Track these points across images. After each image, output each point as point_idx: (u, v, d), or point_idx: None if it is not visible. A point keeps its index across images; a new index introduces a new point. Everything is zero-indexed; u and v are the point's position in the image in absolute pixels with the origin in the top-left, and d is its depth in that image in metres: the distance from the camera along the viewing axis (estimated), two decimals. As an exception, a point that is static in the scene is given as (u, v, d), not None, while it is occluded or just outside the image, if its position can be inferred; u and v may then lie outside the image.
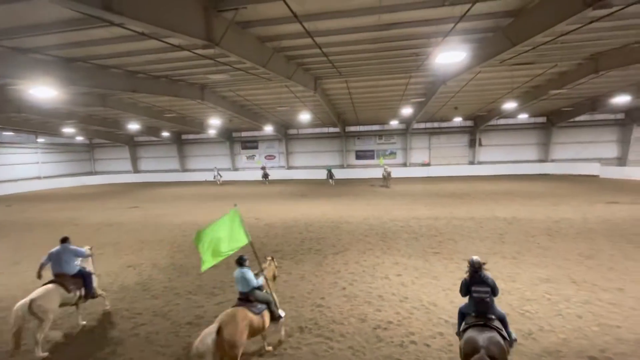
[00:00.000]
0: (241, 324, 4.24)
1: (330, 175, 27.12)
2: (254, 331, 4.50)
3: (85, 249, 6.36)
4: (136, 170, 38.39)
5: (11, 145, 31.05)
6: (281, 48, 11.44)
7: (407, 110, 22.52)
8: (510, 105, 20.46)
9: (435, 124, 31.86)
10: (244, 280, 4.82)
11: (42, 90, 11.68)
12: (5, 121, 23.84)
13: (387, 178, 23.72)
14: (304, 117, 22.84)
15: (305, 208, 16.66)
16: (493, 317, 4.07)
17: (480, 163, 31.22)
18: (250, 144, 35.94)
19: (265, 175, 29.91)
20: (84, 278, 6.02)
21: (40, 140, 33.42)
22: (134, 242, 11.46)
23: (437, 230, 11.52)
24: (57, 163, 35.65)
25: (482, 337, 3.74)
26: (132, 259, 9.58)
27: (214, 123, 26.65)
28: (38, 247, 11.16)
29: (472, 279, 4.29)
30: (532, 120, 29.75)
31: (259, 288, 4.92)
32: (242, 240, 5.16)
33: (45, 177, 33.63)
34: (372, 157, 33.56)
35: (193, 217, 15.47)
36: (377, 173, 29.88)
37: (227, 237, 5.00)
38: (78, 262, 6.10)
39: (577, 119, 27.65)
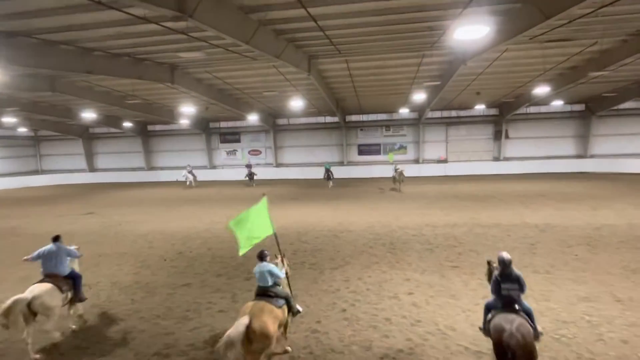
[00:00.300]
0: (270, 315, 4.99)
1: (328, 174, 26.16)
2: (279, 325, 5.24)
3: (75, 249, 7.09)
4: (92, 169, 38.14)
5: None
6: (268, 20, 11.42)
7: (419, 97, 22.58)
8: (542, 90, 20.62)
9: (453, 113, 32.05)
10: (268, 274, 5.55)
11: (-24, 71, 11.54)
12: None
13: (398, 180, 22.94)
14: (296, 104, 22.81)
15: (298, 214, 16.65)
16: (520, 309, 4.84)
17: (506, 159, 31.48)
18: (231, 137, 35.88)
19: (251, 176, 28.96)
20: (74, 280, 6.69)
21: (-26, 132, 33.05)
22: (89, 255, 11.32)
23: (456, 239, 11.55)
24: (-6, 160, 35.30)
25: (510, 322, 4.50)
26: (87, 277, 9.44)
27: (187, 111, 26.52)
28: (-29, 263, 11.01)
29: (502, 276, 5.02)
30: (569, 108, 30.06)
31: (277, 283, 5.69)
32: (268, 230, 6.19)
33: (-20, 177, 33.24)
34: (377, 152, 33.67)
35: (162, 225, 15.38)
36: (385, 171, 29.99)
37: (257, 224, 6.07)
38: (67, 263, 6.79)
39: (622, 106, 27.98)
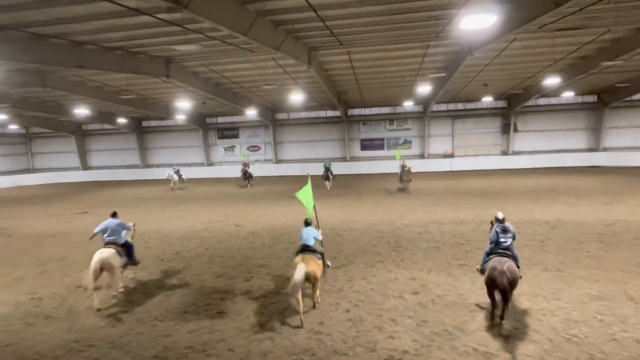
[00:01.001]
0: (315, 263, 7.27)
1: (327, 174, 23.70)
2: (320, 271, 7.40)
3: (130, 224, 9.03)
4: (85, 167, 38.28)
5: None
6: (266, 11, 11.39)
7: (424, 89, 22.55)
8: (552, 80, 20.54)
9: (460, 106, 32.00)
10: (311, 235, 7.80)
11: (-35, 67, 11.57)
12: None
13: (405, 179, 21.44)
14: (296, 97, 22.81)
15: (298, 212, 16.59)
16: (510, 254, 6.73)
17: (515, 153, 31.43)
18: (229, 132, 35.92)
19: (247, 175, 26.81)
20: (128, 248, 8.61)
21: (-36, 129, 33.17)
22: (83, 256, 11.36)
23: (463, 237, 11.56)
24: (-15, 158, 35.43)
25: (502, 262, 6.37)
26: (82, 278, 9.52)
27: (183, 106, 26.55)
28: (-37, 265, 11.09)
29: (500, 229, 6.91)
30: (580, 99, 29.96)
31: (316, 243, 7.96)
32: (311, 204, 8.88)
33: (-30, 177, 33.38)
34: (381, 147, 33.67)
35: (158, 224, 15.43)
36: (389, 167, 29.98)
37: (308, 198, 8.88)
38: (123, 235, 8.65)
39: (635, 97, 27.86)
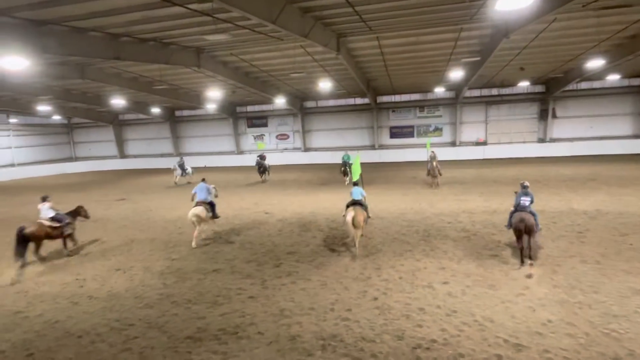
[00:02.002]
0: (361, 212, 9.69)
1: (346, 169, 20.44)
2: (364, 218, 9.87)
3: (212, 188, 12.08)
4: (122, 155, 39.88)
5: (-20, 127, 33.00)
6: (295, -2, 11.34)
7: (456, 74, 21.84)
8: (595, 63, 19.37)
9: (494, 91, 30.84)
10: (360, 193, 10.41)
11: (12, 61, 12.23)
12: (-28, 99, 25.30)
13: (433, 173, 18.46)
14: (325, 85, 22.70)
15: (327, 199, 16.74)
16: (528, 211, 8.66)
17: (553, 140, 30.08)
18: (258, 121, 36.30)
19: (262, 168, 23.67)
20: (212, 205, 11.64)
21: (13, 120, 35.29)
22: (122, 241, 11.98)
23: (495, 227, 11.29)
24: (32, 148, 37.64)
25: (521, 215, 8.46)
26: (121, 261, 10.04)
27: (214, 96, 27.00)
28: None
29: (523, 193, 8.88)
30: (626, 82, 28.17)
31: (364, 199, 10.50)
32: (358, 173, 11.31)
33: (19, 165, 35.60)
34: (410, 135, 33.09)
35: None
36: (418, 155, 29.46)
37: (357, 168, 11.37)
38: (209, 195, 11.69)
39: (689, 79, 25.85)
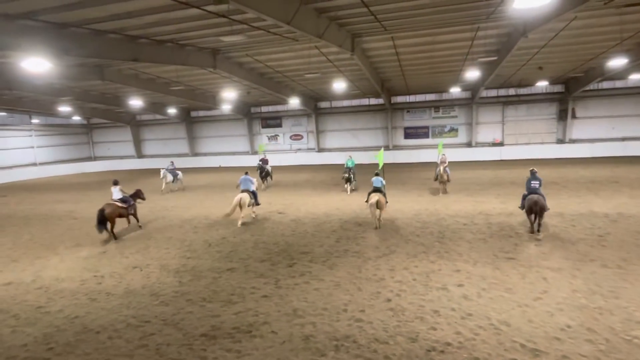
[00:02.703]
0: (382, 197, 11.97)
1: (349, 175, 18.55)
2: (384, 202, 12.10)
3: (254, 180, 14.44)
4: (140, 155, 40.62)
5: (4, 127, 34.07)
6: (310, -1, 11.37)
7: (472, 74, 21.56)
8: (618, 62, 18.87)
9: (512, 91, 30.37)
10: (380, 182, 12.63)
11: (34, 63, 12.60)
12: (-3, 100, 26.13)
13: (441, 179, 16.93)
14: (339, 86, 22.68)
15: (340, 200, 16.72)
16: (539, 193, 10.23)
17: (573, 141, 29.42)
18: (273, 122, 36.53)
19: (263, 172, 21.60)
20: (254, 194, 13.86)
21: (35, 121, 36.35)
22: (139, 239, 12.21)
23: (512, 229, 11.11)
24: (53, 147, 38.69)
25: (533, 197, 10.05)
26: (138, 259, 10.23)
27: (229, 96, 27.30)
28: (35, 244, 12.27)
29: (532, 178, 10.53)
30: (650, 82, 27.30)
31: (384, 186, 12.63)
32: (381, 163, 14.36)
33: (41, 164, 36.64)
34: (425, 136, 32.84)
35: (205, 210, 16.14)
36: (433, 156, 29.11)
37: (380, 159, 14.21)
38: (252, 185, 13.99)
39: None
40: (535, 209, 10.09)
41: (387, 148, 32.93)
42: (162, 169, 21.83)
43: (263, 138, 36.93)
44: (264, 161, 22.37)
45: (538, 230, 10.27)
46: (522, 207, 10.66)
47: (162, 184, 21.64)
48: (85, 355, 5.87)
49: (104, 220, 11.69)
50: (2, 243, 12.62)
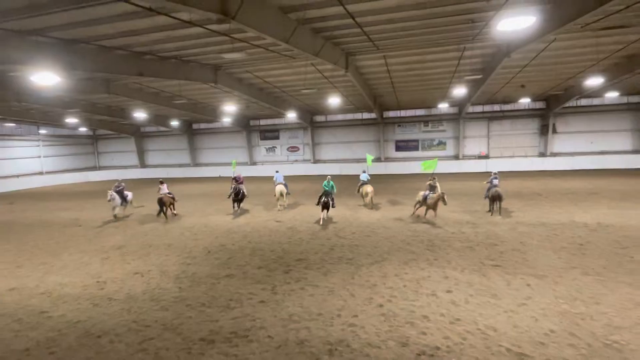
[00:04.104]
0: (371, 187, 16.62)
1: (326, 200, 14.05)
2: (372, 190, 16.51)
3: (282, 176, 17.84)
4: (143, 165, 40.43)
5: (12, 137, 33.84)
6: (306, 19, 11.51)
7: (459, 91, 21.81)
8: (595, 81, 19.23)
9: (496, 107, 30.74)
10: (366, 176, 17.02)
11: (43, 77, 12.58)
12: (6, 111, 26.01)
13: (430, 204, 13.56)
14: (334, 101, 22.84)
15: (334, 210, 16.66)
16: (498, 187, 14.35)
17: (554, 155, 29.75)
18: (270, 134, 36.62)
19: (239, 194, 16.45)
20: (286, 186, 17.24)
21: (42, 131, 36.14)
22: (140, 246, 12.08)
23: (498, 238, 11.13)
24: (59, 157, 38.44)
25: (495, 190, 14.13)
26: (139, 265, 10.11)
27: (229, 110, 27.36)
28: (40, 250, 12.10)
29: (493, 177, 14.74)
30: (625, 100, 27.86)
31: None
32: (370, 163, 18.42)
33: (47, 173, 36.32)
34: (415, 149, 33.07)
35: (205, 218, 16.03)
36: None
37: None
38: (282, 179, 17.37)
39: (688, 97, 25.46)
40: (495, 198, 13.94)
41: (379, 160, 33.13)
42: (109, 190, 16.32)
43: (261, 150, 36.97)
44: (238, 180, 17.07)
45: (500, 213, 13.99)
46: (486, 196, 14.57)
47: (113, 210, 16.69)
48: (87, 359, 5.76)
49: (162, 205, 15.74)
50: (7, 249, 12.43)
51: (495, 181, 14.38)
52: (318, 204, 14.31)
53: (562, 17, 10.61)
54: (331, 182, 15.16)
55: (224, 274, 9.13)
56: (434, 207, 13.49)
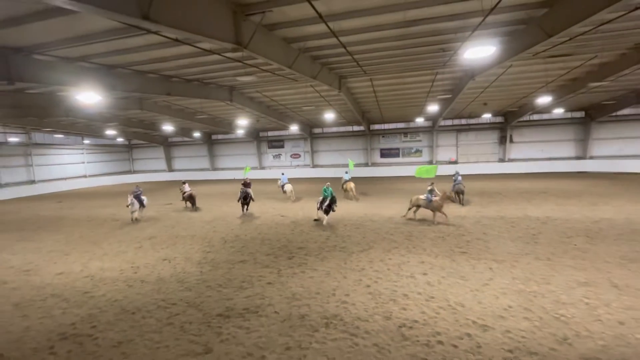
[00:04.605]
0: (353, 183, 17.79)
1: (329, 205, 12.51)
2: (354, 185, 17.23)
3: (287, 177, 19.11)
4: (170, 169, 40.20)
5: (61, 146, 33.62)
6: (306, 48, 11.52)
7: (433, 107, 21.90)
8: (544, 100, 19.28)
9: (463, 121, 30.82)
10: (347, 176, 18.40)
11: (87, 96, 12.53)
12: (55, 124, 25.83)
13: (436, 206, 12.12)
14: (329, 116, 22.84)
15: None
16: (462, 183, 15.47)
17: (511, 160, 29.83)
18: (277, 143, 36.53)
19: (247, 198, 15.06)
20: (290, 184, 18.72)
21: (86, 141, 35.92)
22: (168, 237, 12.02)
23: (465, 229, 11.17)
24: (100, 163, 38.17)
25: (460, 184, 15.32)
26: (168, 253, 10.06)
27: (242, 123, 27.30)
28: (84, 240, 12.02)
29: (457, 175, 15.78)
30: (569, 115, 27.99)
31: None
32: (352, 167, 20.29)
33: (90, 176, 36.08)
34: (397, 155, 33.10)
35: (223, 213, 15.96)
36: (403, 172, 29.44)
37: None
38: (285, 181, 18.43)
39: (620, 112, 25.68)
40: (459, 191, 15.07)
41: (366, 165, 33.14)
42: (129, 195, 14.78)
43: (269, 156, 36.85)
44: (247, 184, 15.54)
45: (463, 204, 14.95)
46: (453, 189, 15.44)
47: (132, 214, 14.72)
48: (123, 332, 5.72)
49: (193, 199, 17.13)
50: (58, 240, 12.35)
51: (460, 178, 15.27)
52: (320, 209, 12.73)
53: (517, 47, 10.68)
54: (330, 189, 12.79)
55: (238, 260, 9.11)
56: (439, 209, 11.99)
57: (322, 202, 12.85)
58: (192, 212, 16.62)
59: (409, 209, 13.12)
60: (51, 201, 24.00)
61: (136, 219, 14.89)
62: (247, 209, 15.50)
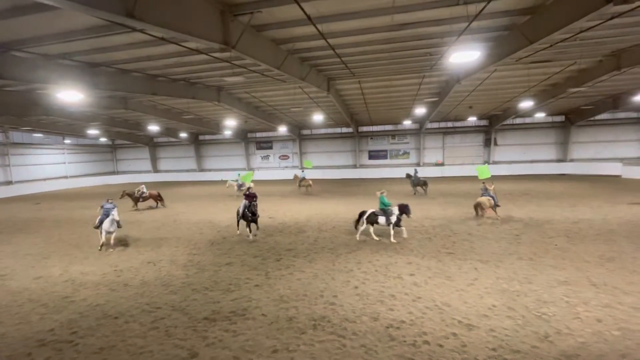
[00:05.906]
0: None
1: (415, 181, 19.45)
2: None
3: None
4: (155, 170, 39.41)
5: (41, 146, 32.49)
6: (295, 50, 11.52)
7: (420, 110, 22.24)
8: (526, 104, 19.93)
9: (449, 124, 31.40)
10: (304, 174, 23.19)
11: (69, 94, 12.17)
12: (35, 124, 24.96)
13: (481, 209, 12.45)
14: (318, 117, 22.88)
15: (318, 208, 16.68)
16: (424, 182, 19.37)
17: (495, 163, 30.54)
18: (265, 144, 36.32)
19: (255, 215, 11.25)
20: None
21: (67, 141, 34.83)
22: (153, 239, 11.76)
23: (452, 230, 11.33)
24: (82, 163, 37.07)
25: (421, 178, 19.60)
26: (152, 256, 9.83)
27: (230, 124, 27.04)
28: (64, 243, 11.63)
29: (415, 172, 19.88)
30: (550, 119, 28.90)
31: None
32: (310, 165, 24.14)
33: (71, 177, 34.98)
34: (385, 157, 33.44)
35: (209, 215, 15.74)
36: (391, 173, 29.74)
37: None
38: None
39: (598, 117, 26.69)
40: (422, 183, 18.41)
41: (354, 167, 33.32)
42: (99, 208, 11.31)
43: (257, 157, 36.59)
44: (251, 196, 11.51)
45: (426, 194, 18.48)
46: (416, 184, 18.85)
47: (101, 235, 10.58)
48: (105, 337, 5.55)
49: (160, 197, 18.66)
50: (35, 243, 11.90)
51: (419, 174, 18.07)
52: (375, 223, 10.42)
53: (501, 52, 10.97)
54: (385, 199, 10.92)
55: (225, 262, 8.98)
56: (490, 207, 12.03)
57: (377, 215, 10.27)
58: (159, 208, 18.12)
59: (477, 212, 12.44)
60: (29, 203, 23.14)
61: (106, 246, 10.52)
62: (256, 228, 11.63)
